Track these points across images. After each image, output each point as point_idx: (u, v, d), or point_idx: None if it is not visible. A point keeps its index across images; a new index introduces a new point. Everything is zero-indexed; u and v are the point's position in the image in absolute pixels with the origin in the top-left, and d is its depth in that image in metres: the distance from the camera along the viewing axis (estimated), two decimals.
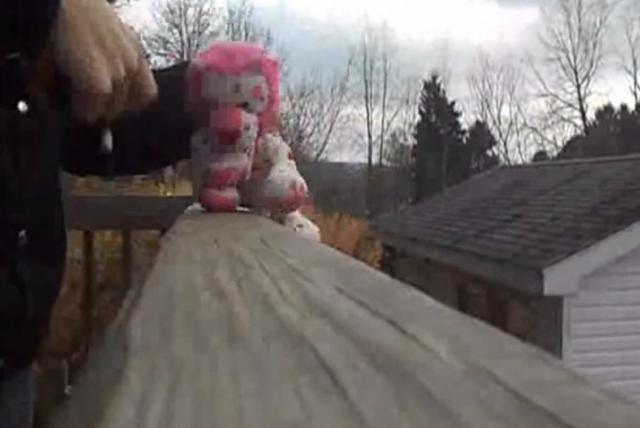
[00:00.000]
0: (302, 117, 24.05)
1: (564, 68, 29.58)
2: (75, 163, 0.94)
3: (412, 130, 29.56)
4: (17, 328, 0.74)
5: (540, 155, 30.25)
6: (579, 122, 29.95)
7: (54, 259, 0.81)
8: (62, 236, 0.83)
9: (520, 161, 28.98)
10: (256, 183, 0.83)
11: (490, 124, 30.56)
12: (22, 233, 0.72)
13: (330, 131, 26.08)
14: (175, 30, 22.61)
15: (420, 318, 0.27)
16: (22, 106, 0.70)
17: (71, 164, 0.93)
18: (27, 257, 0.73)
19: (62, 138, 0.82)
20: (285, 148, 0.87)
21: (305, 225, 0.90)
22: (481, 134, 29.71)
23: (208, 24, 22.82)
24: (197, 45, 22.60)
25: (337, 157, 29.52)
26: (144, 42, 20.98)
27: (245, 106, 0.82)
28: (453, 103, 29.26)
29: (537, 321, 6.53)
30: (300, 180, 0.82)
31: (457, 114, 29.29)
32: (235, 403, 0.17)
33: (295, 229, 0.87)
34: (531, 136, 31.23)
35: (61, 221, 0.82)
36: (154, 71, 0.73)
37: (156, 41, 22.24)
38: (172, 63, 21.35)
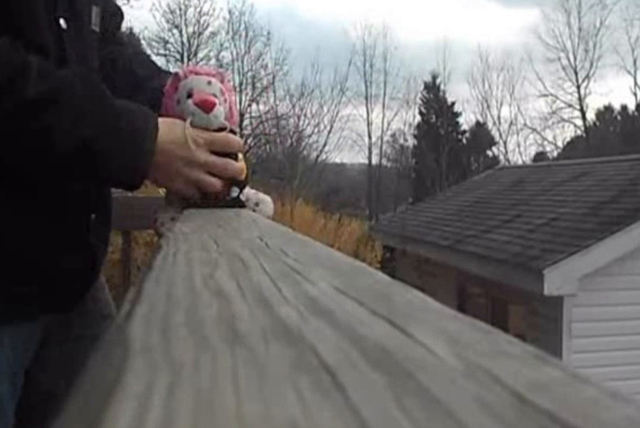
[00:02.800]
0: (302, 118, 24.00)
1: (564, 68, 29.57)
2: None
3: (412, 130, 29.56)
4: (87, 287, 1.01)
5: (540, 155, 30.23)
6: (579, 122, 29.94)
7: (106, 238, 1.07)
8: (109, 222, 1.07)
9: (520, 161, 28.96)
10: None
11: (490, 125, 30.55)
12: (93, 215, 0.98)
13: (330, 131, 26.03)
14: (175, 31, 22.58)
15: (420, 318, 0.27)
16: None
17: None
18: (94, 234, 0.99)
19: None
20: None
21: (262, 202, 1.01)
22: (481, 135, 29.67)
23: (208, 25, 22.80)
24: (197, 46, 22.60)
25: (337, 158, 29.49)
26: (143, 43, 20.95)
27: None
28: (453, 103, 29.25)
29: (537, 321, 6.53)
30: None
31: (457, 115, 29.28)
32: (235, 403, 0.17)
33: (254, 209, 0.98)
34: (531, 136, 31.26)
35: (110, 211, 1.08)
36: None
37: (156, 42, 22.23)
38: (172, 63, 21.39)
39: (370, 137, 29.17)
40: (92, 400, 0.19)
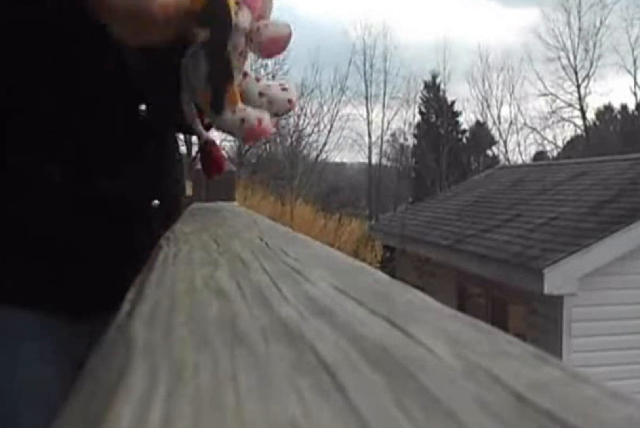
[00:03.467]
0: (301, 117, 23.99)
1: (564, 68, 29.57)
2: None
3: (412, 130, 29.56)
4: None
5: (540, 155, 30.21)
6: (579, 122, 29.93)
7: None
8: (176, 209, 1.02)
9: (520, 161, 28.95)
10: None
11: (490, 124, 30.55)
12: (155, 202, 0.95)
13: (330, 131, 26.04)
14: None
15: (420, 318, 0.27)
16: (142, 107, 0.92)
17: None
18: (157, 219, 0.95)
19: None
20: None
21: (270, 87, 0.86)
22: (481, 134, 29.66)
23: None
24: None
25: (337, 158, 29.50)
26: None
27: None
28: (453, 103, 29.24)
29: (537, 321, 6.53)
30: None
31: (457, 114, 29.26)
32: (235, 403, 0.17)
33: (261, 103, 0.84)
34: (531, 136, 31.23)
35: (177, 197, 1.03)
36: None
37: None
38: None
39: (370, 136, 29.19)
40: (94, 399, 0.19)
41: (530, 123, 30.82)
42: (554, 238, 6.57)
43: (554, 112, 30.14)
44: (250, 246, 0.50)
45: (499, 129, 30.50)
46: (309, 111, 24.09)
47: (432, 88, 29.40)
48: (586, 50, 29.37)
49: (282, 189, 17.64)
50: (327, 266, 0.41)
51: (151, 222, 0.94)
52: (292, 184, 18.50)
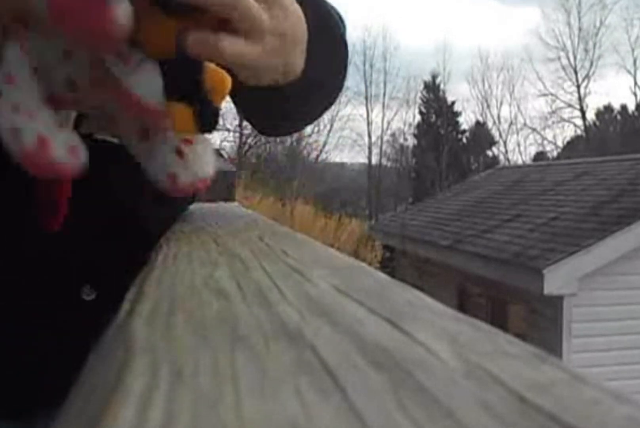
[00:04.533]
0: None
1: (564, 68, 29.60)
2: None
3: (412, 130, 29.57)
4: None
5: (540, 155, 30.25)
6: (579, 122, 29.95)
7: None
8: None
9: (520, 161, 29.00)
10: None
11: (490, 124, 30.58)
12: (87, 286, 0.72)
13: (330, 131, 26.08)
14: None
15: (420, 318, 0.27)
16: None
17: None
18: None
19: None
20: None
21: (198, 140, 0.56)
22: (481, 134, 29.69)
23: None
24: None
25: (337, 157, 29.57)
26: None
27: None
28: (453, 103, 29.23)
29: (537, 321, 6.53)
30: None
31: (457, 114, 29.25)
32: (235, 403, 0.17)
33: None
34: (531, 136, 31.32)
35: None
36: None
37: None
38: None
39: (370, 136, 29.21)
40: (93, 399, 0.19)
41: (530, 123, 30.89)
42: (554, 238, 6.57)
43: (553, 112, 30.19)
44: (250, 246, 0.50)
45: (499, 129, 30.55)
46: None
47: (432, 88, 29.40)
48: (586, 51, 29.41)
49: (282, 189, 17.64)
50: (327, 266, 0.41)
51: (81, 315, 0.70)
52: (292, 184, 18.50)
